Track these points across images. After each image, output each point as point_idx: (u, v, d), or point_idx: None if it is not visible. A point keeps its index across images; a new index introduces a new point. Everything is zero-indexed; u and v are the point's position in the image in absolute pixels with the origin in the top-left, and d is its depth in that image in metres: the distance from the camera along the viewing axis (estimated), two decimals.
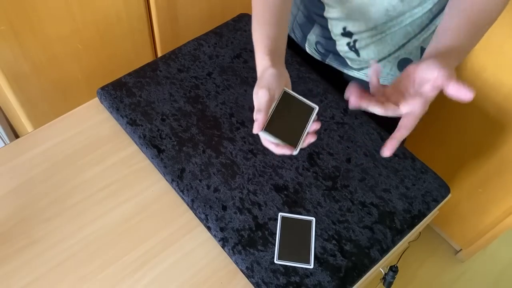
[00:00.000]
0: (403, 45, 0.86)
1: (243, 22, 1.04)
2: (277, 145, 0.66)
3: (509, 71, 1.13)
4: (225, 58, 0.97)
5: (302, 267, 0.72)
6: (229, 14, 1.09)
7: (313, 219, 0.77)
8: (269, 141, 0.66)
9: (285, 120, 0.67)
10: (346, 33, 0.87)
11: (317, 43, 0.96)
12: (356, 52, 0.89)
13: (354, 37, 0.87)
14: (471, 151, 1.36)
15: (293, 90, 0.94)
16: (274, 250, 0.73)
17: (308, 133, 0.68)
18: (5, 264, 0.72)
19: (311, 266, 0.72)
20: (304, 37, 0.98)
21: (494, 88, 1.18)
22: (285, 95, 0.69)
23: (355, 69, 0.94)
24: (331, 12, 0.86)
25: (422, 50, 0.87)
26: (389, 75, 0.92)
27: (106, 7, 1.13)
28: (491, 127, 1.25)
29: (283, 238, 0.74)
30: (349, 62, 0.93)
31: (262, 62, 0.69)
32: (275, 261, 0.72)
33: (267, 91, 0.64)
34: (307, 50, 1.00)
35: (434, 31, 0.83)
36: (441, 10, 0.81)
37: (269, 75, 0.66)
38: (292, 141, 0.66)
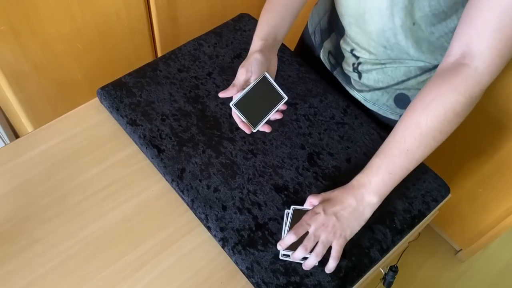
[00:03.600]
0: (402, 81, 0.85)
1: (243, 22, 1.04)
2: (241, 121, 0.79)
3: (509, 71, 1.13)
4: (225, 58, 0.97)
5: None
6: (229, 14, 1.09)
7: None
8: (236, 115, 0.80)
9: (254, 102, 0.80)
10: (353, 55, 0.88)
11: (329, 53, 0.95)
12: (359, 74, 0.89)
13: (359, 60, 0.87)
14: (471, 151, 1.36)
15: (293, 90, 0.95)
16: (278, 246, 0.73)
17: (269, 119, 0.81)
18: (5, 264, 0.72)
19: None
20: (321, 43, 0.97)
21: (494, 88, 1.18)
22: (263, 79, 0.80)
23: (356, 90, 0.93)
24: (346, 31, 0.86)
25: None
26: (384, 106, 0.91)
27: (106, 7, 1.13)
28: (491, 127, 1.25)
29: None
30: (352, 81, 0.93)
31: (254, 45, 0.81)
32: (280, 257, 0.72)
33: (246, 71, 0.78)
34: (321, 57, 0.99)
35: None
36: None
37: (253, 58, 0.79)
38: (253, 121, 0.79)
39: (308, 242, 0.69)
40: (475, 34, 0.62)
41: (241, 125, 0.80)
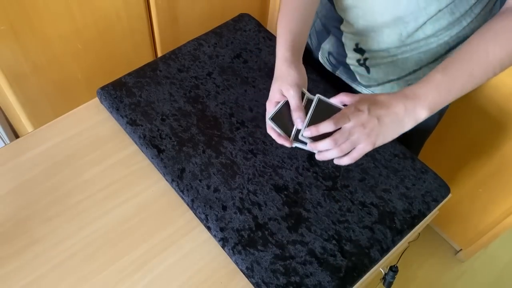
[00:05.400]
0: (414, 71, 0.84)
1: (243, 22, 1.04)
2: (278, 134, 0.71)
3: (509, 71, 1.13)
4: (225, 58, 0.97)
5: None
6: (229, 14, 1.09)
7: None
8: (272, 129, 0.72)
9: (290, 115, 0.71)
10: (358, 50, 0.87)
11: (329, 53, 0.95)
12: (367, 68, 0.88)
13: (366, 55, 0.86)
14: (471, 151, 1.36)
15: None
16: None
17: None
18: (5, 264, 0.72)
19: None
20: (319, 45, 0.97)
21: (494, 88, 1.18)
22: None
23: (364, 86, 0.93)
24: (347, 27, 0.85)
25: None
26: None
27: (106, 7, 1.13)
28: (491, 127, 1.25)
29: (314, 119, 0.69)
30: (358, 78, 0.92)
31: (284, 56, 0.74)
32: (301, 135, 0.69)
33: (298, 88, 0.71)
34: (320, 58, 0.99)
35: None
36: (459, 42, 0.79)
37: (296, 73, 0.72)
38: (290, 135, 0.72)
39: (340, 137, 0.65)
40: None
41: (278, 139, 0.72)
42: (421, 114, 0.67)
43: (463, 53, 0.67)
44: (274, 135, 0.72)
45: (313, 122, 0.68)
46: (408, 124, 0.67)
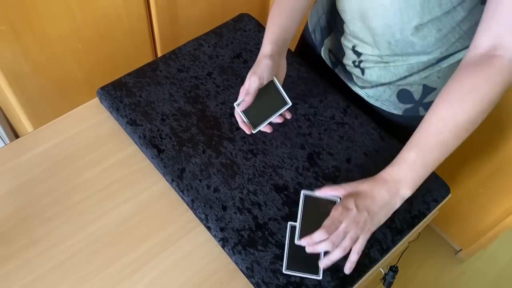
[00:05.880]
0: (405, 77, 0.85)
1: (243, 22, 1.04)
2: (242, 120, 0.82)
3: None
4: (225, 58, 0.97)
5: (311, 278, 0.71)
6: (229, 14, 1.09)
7: None
8: (238, 115, 0.82)
9: (259, 105, 0.81)
10: (355, 52, 0.88)
11: (330, 51, 0.96)
12: (362, 70, 0.89)
13: (361, 57, 0.87)
14: (471, 151, 1.36)
15: (293, 90, 0.95)
16: (283, 258, 0.73)
17: (270, 122, 0.84)
18: (5, 264, 0.72)
19: (320, 277, 0.71)
20: (322, 41, 0.97)
21: None
22: (270, 83, 0.81)
23: (359, 86, 0.93)
24: (346, 28, 0.86)
25: (424, 87, 0.85)
26: (387, 101, 0.91)
27: (106, 7, 1.13)
28: (491, 127, 1.25)
29: (292, 248, 0.73)
30: (354, 78, 0.93)
31: (264, 49, 0.81)
32: (284, 271, 0.71)
33: (259, 79, 0.78)
34: (322, 54, 1.00)
35: (438, 71, 0.82)
36: (449, 54, 0.80)
37: (265, 65, 0.79)
38: (254, 123, 0.83)
39: (336, 238, 0.66)
40: (505, 25, 0.63)
41: (241, 125, 0.83)
42: (405, 194, 0.70)
43: (432, 124, 0.68)
44: (239, 120, 0.83)
45: (305, 219, 0.70)
46: (396, 204, 0.70)
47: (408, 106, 0.90)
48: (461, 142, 0.68)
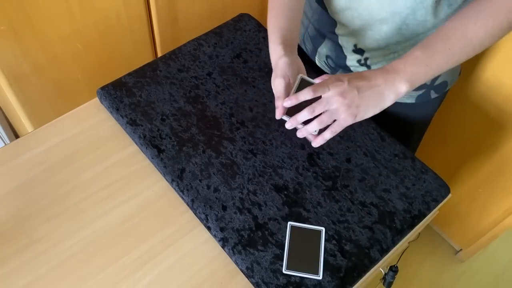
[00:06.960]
0: None
1: (243, 22, 1.04)
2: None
3: (509, 71, 1.13)
4: (225, 58, 0.97)
5: (311, 278, 0.71)
6: (229, 14, 1.09)
7: (323, 229, 0.75)
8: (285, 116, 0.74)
9: (300, 105, 0.69)
10: (357, 50, 0.87)
11: (327, 57, 0.94)
12: (368, 68, 0.88)
13: (366, 54, 0.86)
14: (471, 151, 1.36)
15: None
16: (283, 258, 0.73)
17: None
18: (5, 264, 0.72)
19: (320, 277, 0.71)
20: (315, 50, 0.96)
21: (494, 88, 1.18)
22: (302, 82, 0.72)
23: None
24: (342, 29, 0.85)
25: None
26: None
27: (106, 7, 1.13)
28: (491, 127, 1.25)
29: (292, 248, 0.73)
30: None
31: (275, 51, 0.75)
32: (284, 271, 0.71)
33: (283, 79, 0.71)
34: (317, 63, 0.98)
35: None
36: None
37: (283, 63, 0.72)
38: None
39: (317, 106, 0.65)
40: None
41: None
42: (401, 87, 0.67)
43: (443, 30, 0.69)
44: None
45: (291, 248, 0.71)
46: (388, 98, 0.68)
47: (420, 92, 0.89)
48: (465, 58, 0.69)
